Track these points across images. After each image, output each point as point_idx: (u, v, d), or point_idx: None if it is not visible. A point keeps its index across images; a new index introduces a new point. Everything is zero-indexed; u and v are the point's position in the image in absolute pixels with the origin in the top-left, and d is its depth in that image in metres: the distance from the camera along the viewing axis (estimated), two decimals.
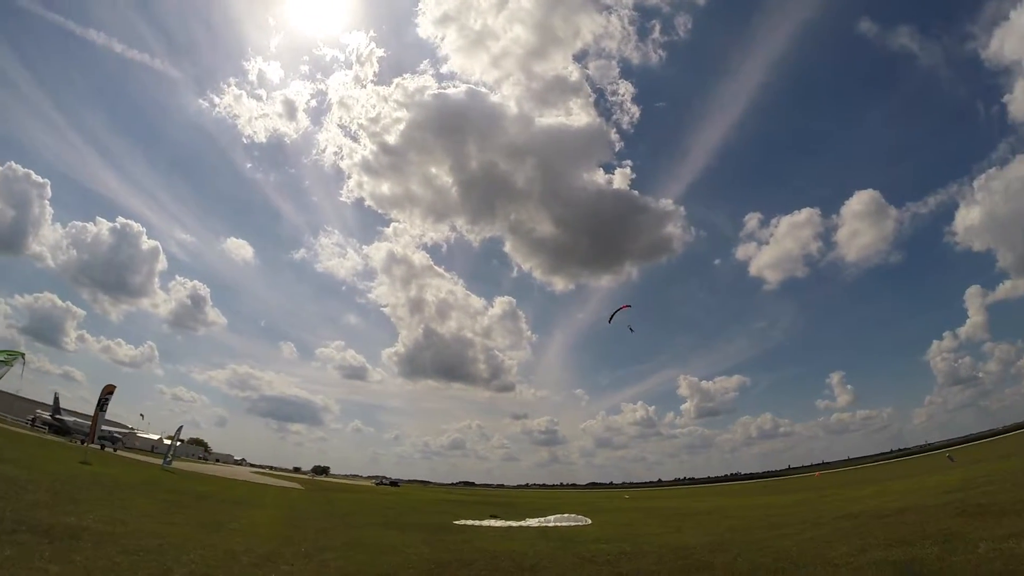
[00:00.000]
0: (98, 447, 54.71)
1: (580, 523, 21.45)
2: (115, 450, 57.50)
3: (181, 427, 50.69)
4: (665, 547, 13.59)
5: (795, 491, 46.11)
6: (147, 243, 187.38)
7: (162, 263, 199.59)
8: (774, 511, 25.39)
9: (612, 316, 38.54)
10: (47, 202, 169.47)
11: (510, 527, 19.19)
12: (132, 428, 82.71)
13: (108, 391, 32.39)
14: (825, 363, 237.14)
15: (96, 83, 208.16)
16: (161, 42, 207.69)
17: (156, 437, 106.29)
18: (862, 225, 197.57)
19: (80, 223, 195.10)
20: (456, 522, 20.47)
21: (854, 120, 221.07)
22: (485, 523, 20.28)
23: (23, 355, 16.37)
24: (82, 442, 53.38)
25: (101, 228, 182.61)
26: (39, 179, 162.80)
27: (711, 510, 30.62)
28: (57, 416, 54.53)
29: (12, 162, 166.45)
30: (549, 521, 21.18)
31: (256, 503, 22.69)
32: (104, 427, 64.34)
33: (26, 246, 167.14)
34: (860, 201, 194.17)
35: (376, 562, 10.40)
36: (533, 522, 20.97)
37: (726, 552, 12.68)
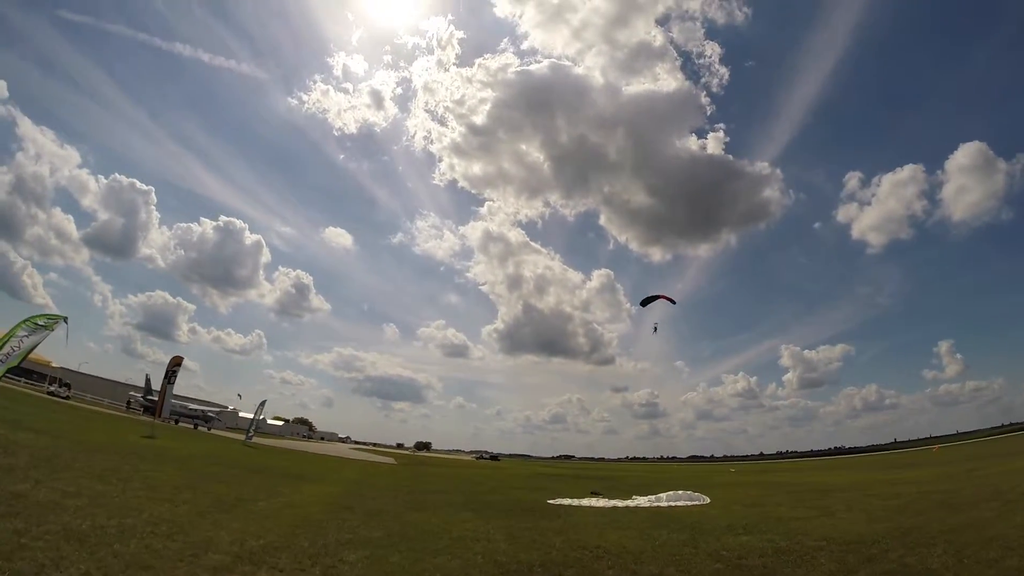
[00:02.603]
0: (191, 426, 57.79)
1: (698, 502, 18.26)
2: (208, 428, 60.01)
3: (264, 402, 51.93)
4: (832, 540, 10.21)
5: (923, 465, 39.93)
6: (250, 238, 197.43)
7: (266, 255, 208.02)
8: (929, 487, 20.99)
9: (648, 301, 33.29)
10: (153, 207, 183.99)
11: (615, 508, 16.37)
12: (231, 407, 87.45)
13: (176, 363, 32.24)
14: (933, 331, 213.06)
15: (187, 92, 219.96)
16: (245, 47, 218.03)
17: (260, 417, 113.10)
18: (969, 180, 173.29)
19: (185, 224, 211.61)
20: (551, 501, 17.85)
21: (956, 62, 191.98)
22: (585, 503, 17.57)
23: (66, 319, 15.45)
24: (176, 422, 56.91)
25: (205, 227, 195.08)
26: (143, 187, 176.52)
27: (846, 486, 26.24)
28: (149, 397, 57.49)
29: (116, 173, 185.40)
30: (661, 500, 18.14)
31: (318, 478, 21.35)
32: (198, 407, 68.29)
33: (137, 250, 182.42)
34: (966, 154, 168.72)
35: (416, 568, 7.55)
36: (642, 501, 18.02)
37: (929, 546, 9.18)
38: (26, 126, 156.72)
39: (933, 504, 15.42)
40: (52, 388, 56.97)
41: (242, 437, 47.93)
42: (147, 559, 6.39)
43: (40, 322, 15.01)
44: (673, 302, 31.94)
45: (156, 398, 55.37)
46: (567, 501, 17.82)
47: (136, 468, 14.09)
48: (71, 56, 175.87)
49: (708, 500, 18.84)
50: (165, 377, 31.94)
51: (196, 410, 65.17)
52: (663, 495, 18.85)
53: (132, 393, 67.40)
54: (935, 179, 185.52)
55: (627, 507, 16.65)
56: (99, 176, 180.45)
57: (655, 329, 34.34)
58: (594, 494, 21.35)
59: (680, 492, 19.58)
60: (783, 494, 22.39)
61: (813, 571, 8.16)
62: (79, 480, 10.65)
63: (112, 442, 20.19)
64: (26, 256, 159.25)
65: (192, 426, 58.33)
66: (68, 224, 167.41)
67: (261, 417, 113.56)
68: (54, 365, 70.37)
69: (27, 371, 62.82)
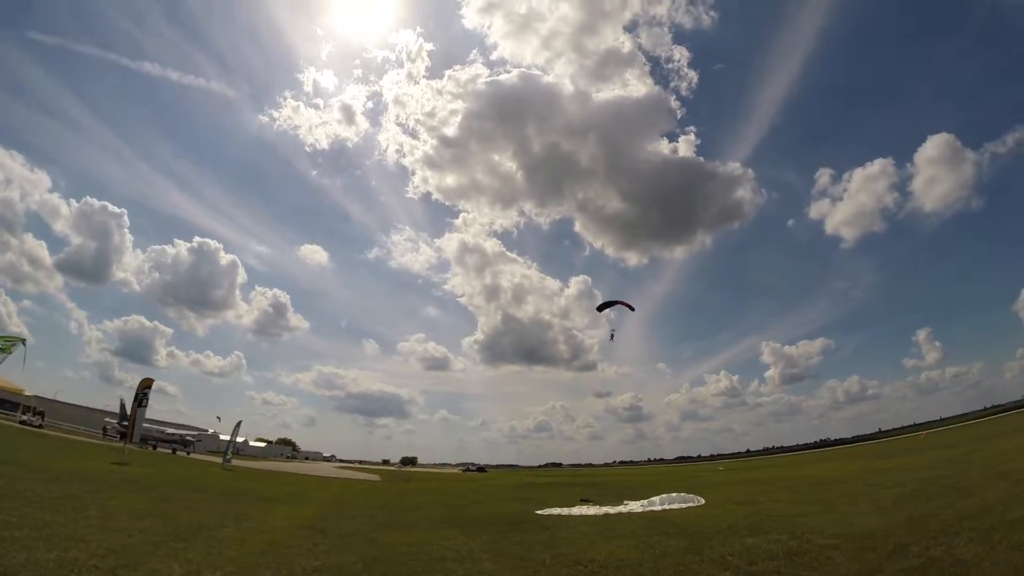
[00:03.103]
0: (169, 451, 55.42)
1: (692, 503, 17.33)
2: (188, 453, 57.73)
3: (240, 423, 49.55)
4: (844, 536, 9.34)
5: (916, 451, 39.71)
6: (225, 258, 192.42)
7: (241, 276, 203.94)
8: (930, 472, 20.40)
9: (605, 306, 32.57)
10: (126, 230, 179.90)
11: (607, 515, 15.33)
12: (211, 430, 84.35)
13: (145, 385, 30.31)
14: (911, 320, 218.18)
15: (157, 112, 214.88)
16: (214, 65, 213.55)
17: (241, 439, 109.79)
18: (939, 171, 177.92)
19: (159, 246, 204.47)
20: (539, 512, 16.72)
21: (922, 59, 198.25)
22: (575, 511, 16.48)
23: (23, 340, 14.22)
24: (154, 447, 54.59)
25: (180, 249, 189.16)
26: (116, 209, 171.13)
27: (842, 476, 25.67)
28: (123, 423, 55.01)
29: (88, 196, 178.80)
30: (655, 504, 17.14)
31: (293, 500, 19.85)
32: (176, 431, 65.71)
33: (111, 274, 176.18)
34: (934, 146, 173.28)
35: None
36: (635, 506, 17.02)
37: (952, 534, 8.35)
38: None
39: (941, 489, 14.72)
40: (24, 417, 54.32)
41: (217, 460, 45.77)
42: None
43: None
44: (632, 309, 31.38)
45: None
46: (556, 511, 16.73)
47: (96, 496, 12.65)
48: (40, 78, 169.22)
49: (703, 501, 17.92)
50: (135, 400, 29.91)
51: (174, 434, 62.81)
52: (656, 498, 17.85)
53: (107, 420, 64.51)
54: (905, 172, 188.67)
55: (619, 513, 15.61)
56: (71, 200, 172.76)
57: (612, 336, 34.00)
58: (584, 501, 20.30)
59: (673, 494, 18.60)
60: (779, 490, 21.62)
61: (832, 574, 7.25)
62: (25, 509, 9.33)
63: (76, 469, 18.48)
64: None
65: (170, 451, 55.99)
66: (41, 249, 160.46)
67: (242, 439, 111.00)
68: (27, 393, 67.22)
69: (0, 400, 59.97)
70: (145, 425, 59.98)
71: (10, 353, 14.30)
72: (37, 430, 46.56)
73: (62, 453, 25.59)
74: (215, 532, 10.03)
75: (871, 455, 47.88)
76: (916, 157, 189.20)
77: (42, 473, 15.41)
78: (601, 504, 18.31)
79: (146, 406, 30.31)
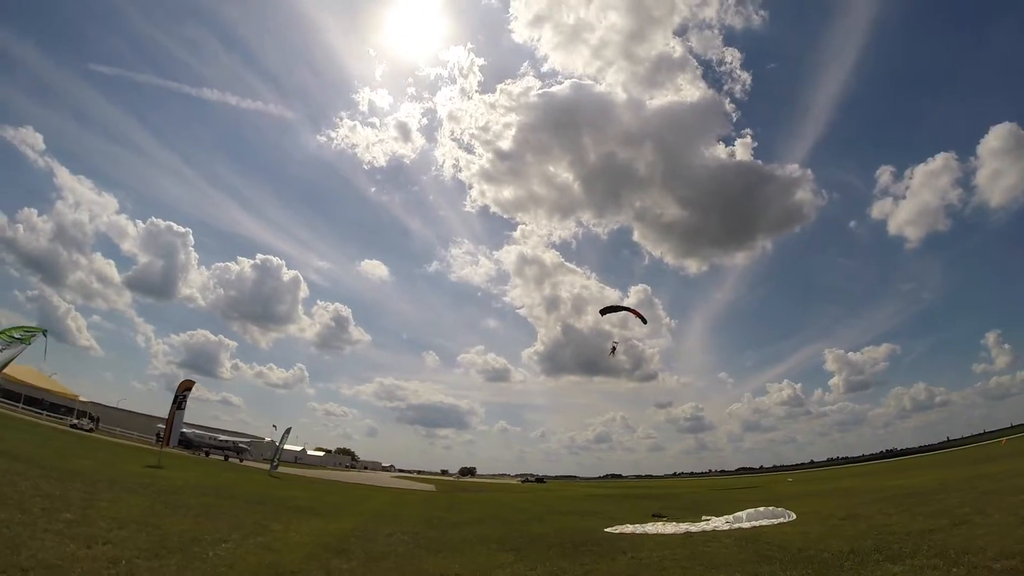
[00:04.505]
0: (221, 457, 55.81)
1: (784, 519, 15.22)
2: (240, 460, 58.17)
3: (289, 429, 49.47)
4: (1019, 555, 7.32)
5: (1008, 457, 35.75)
6: (287, 274, 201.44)
7: (304, 291, 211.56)
8: None
9: (608, 310, 30.06)
10: (191, 248, 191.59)
11: (689, 534, 13.43)
12: (268, 438, 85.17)
13: (186, 387, 29.91)
14: (979, 322, 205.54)
15: (218, 135, 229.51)
16: (271, 89, 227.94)
17: (299, 448, 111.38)
18: (1003, 163, 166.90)
19: (223, 263, 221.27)
20: (609, 530, 14.97)
21: (977, 44, 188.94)
22: (650, 529, 14.65)
23: (45, 332, 13.65)
24: (206, 454, 55.18)
25: (243, 266, 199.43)
26: (181, 229, 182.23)
27: (943, 486, 22.63)
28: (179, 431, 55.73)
29: (154, 217, 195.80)
30: (741, 520, 15.09)
31: (332, 511, 18.55)
32: (229, 438, 66.50)
33: (177, 291, 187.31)
34: (997, 137, 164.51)
35: None
36: (718, 523, 15.02)
37: None
38: (64, 176, 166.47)
39: None
40: (76, 421, 56.00)
41: (265, 467, 45.72)
42: None
43: (16, 335, 13.38)
44: (643, 320, 29.11)
45: (184, 430, 53.00)
46: (629, 528, 14.93)
47: (99, 498, 11.72)
48: (103, 107, 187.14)
49: (794, 516, 15.77)
50: (174, 402, 29.62)
51: (226, 441, 63.76)
52: (741, 514, 15.78)
53: (159, 425, 66.16)
54: (968, 166, 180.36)
55: (703, 532, 13.69)
56: (137, 220, 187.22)
57: (612, 351, 31.75)
58: (656, 517, 18.40)
59: (760, 508, 16.44)
60: (877, 501, 19.08)
61: None
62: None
63: (96, 470, 17.77)
64: (69, 300, 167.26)
65: (223, 457, 56.61)
66: (109, 268, 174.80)
67: (300, 448, 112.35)
68: (83, 399, 69.88)
69: (55, 405, 62.18)
70: (197, 431, 61.21)
71: (29, 344, 13.70)
72: (87, 433, 47.72)
73: (95, 454, 25.21)
74: (207, 548, 8.64)
75: (960, 462, 43.61)
76: (979, 149, 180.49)
77: (53, 472, 14.54)
78: (678, 520, 16.39)
79: (184, 408, 29.99)
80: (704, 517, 16.87)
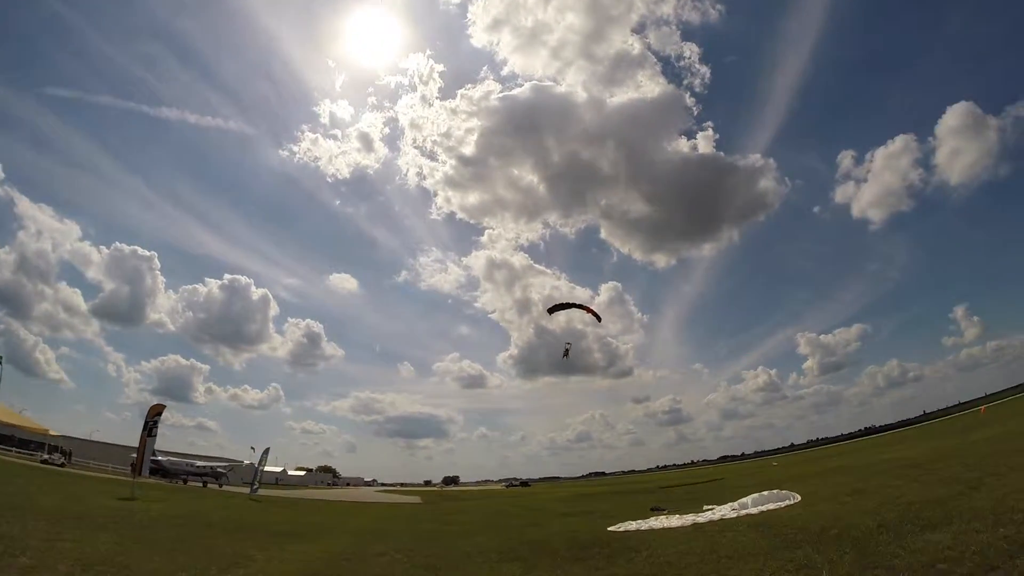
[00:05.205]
0: (200, 484, 53.30)
1: (790, 501, 14.62)
2: (220, 485, 55.62)
3: (267, 450, 47.10)
4: None
5: (989, 424, 36.19)
6: (256, 292, 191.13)
7: (274, 308, 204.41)
8: None
9: (557, 308, 28.67)
10: (157, 272, 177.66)
11: (697, 525, 12.71)
12: (246, 461, 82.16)
13: (156, 411, 27.89)
14: (946, 297, 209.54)
15: (178, 155, 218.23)
16: (230, 105, 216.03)
17: (279, 469, 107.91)
18: (961, 142, 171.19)
19: (191, 286, 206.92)
20: (612, 529, 14.14)
21: (932, 27, 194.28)
22: (655, 524, 13.85)
23: (1, 357, 12.18)
24: (184, 481, 52.49)
25: (211, 287, 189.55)
26: (146, 253, 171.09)
27: (940, 454, 22.51)
28: (153, 458, 52.90)
29: (118, 242, 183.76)
30: (747, 506, 14.45)
31: (315, 534, 17.30)
32: (206, 463, 63.65)
33: (145, 316, 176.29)
34: (954, 116, 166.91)
35: None
36: (724, 511, 14.33)
37: None
38: (24, 205, 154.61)
39: None
40: (47, 456, 53.02)
41: (245, 491, 43.60)
42: None
43: None
44: (598, 318, 27.82)
45: (159, 459, 49.80)
46: (632, 525, 14.09)
47: (62, 538, 10.39)
48: (62, 131, 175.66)
49: (799, 497, 15.19)
50: (144, 429, 27.29)
51: (204, 467, 60.76)
52: (746, 499, 15.14)
53: (134, 455, 62.96)
54: (927, 146, 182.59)
55: (711, 522, 12.98)
56: (101, 247, 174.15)
57: (566, 352, 29.57)
58: (656, 511, 17.68)
59: (764, 493, 15.84)
60: (876, 475, 18.70)
61: None
62: None
63: (63, 507, 16.09)
64: (36, 332, 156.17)
65: (201, 484, 53.95)
66: (75, 297, 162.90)
67: (280, 468, 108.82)
68: (53, 433, 66.45)
69: (24, 441, 58.65)
70: (172, 459, 58.31)
71: None
72: (59, 468, 45.21)
73: (64, 489, 23.05)
74: None
75: (943, 433, 44.14)
76: (937, 130, 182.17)
77: (12, 511, 13.00)
78: (680, 512, 15.66)
79: (155, 435, 27.99)
80: (706, 507, 16.19)
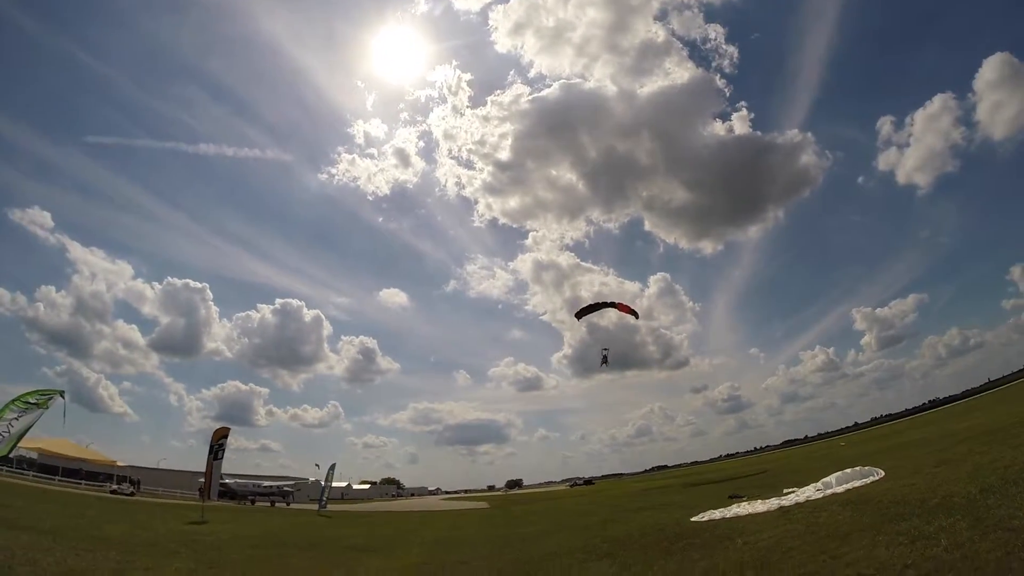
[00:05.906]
0: (267, 503, 55.25)
1: (876, 477, 14.46)
2: (287, 504, 57.57)
3: (333, 465, 48.82)
4: None
5: None
6: (308, 314, 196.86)
7: (327, 328, 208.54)
8: None
9: (585, 312, 26.85)
10: (211, 303, 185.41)
11: (784, 509, 12.71)
12: (312, 479, 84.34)
13: (221, 434, 28.86)
14: (1002, 257, 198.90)
15: (221, 188, 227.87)
16: (265, 135, 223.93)
17: (344, 484, 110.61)
18: (1002, 94, 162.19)
19: (244, 313, 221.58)
20: (695, 519, 14.24)
21: None
22: (741, 511, 13.88)
23: (62, 393, 13.29)
24: (252, 502, 54.55)
25: (264, 312, 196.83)
26: (198, 285, 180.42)
27: (1018, 421, 21.74)
28: (220, 481, 54.94)
29: (169, 277, 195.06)
30: (831, 485, 14.33)
31: (388, 547, 17.79)
32: (272, 483, 65.79)
33: (203, 346, 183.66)
34: (991, 68, 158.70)
35: None
36: (809, 492, 14.23)
37: None
38: (76, 250, 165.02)
39: None
40: (115, 487, 55.81)
41: (313, 508, 45.07)
42: None
43: (32, 400, 12.92)
44: (633, 313, 25.88)
45: (227, 482, 50.53)
46: (716, 514, 14.14)
47: (133, 566, 10.57)
48: (105, 176, 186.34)
49: (883, 472, 14.98)
50: (210, 453, 28.56)
51: (270, 487, 63.03)
52: (830, 479, 15.00)
53: (201, 480, 65.49)
54: (967, 102, 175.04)
55: (797, 504, 12.93)
56: (153, 283, 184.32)
57: (604, 360, 28.13)
58: (735, 498, 17.67)
59: (848, 471, 15.62)
60: (957, 444, 18.25)
61: None
62: None
63: (132, 534, 16.44)
64: (98, 370, 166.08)
65: (269, 503, 55.88)
66: (133, 332, 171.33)
67: (345, 483, 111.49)
68: (120, 464, 69.97)
69: (92, 474, 61.95)
70: (239, 481, 60.56)
71: (46, 408, 13.33)
72: (128, 497, 47.57)
73: (133, 517, 24.00)
74: None
75: (1017, 398, 42.32)
76: (975, 85, 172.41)
77: (83, 542, 12.79)
78: (763, 498, 15.63)
79: (222, 458, 29.26)
80: (787, 490, 16.08)
